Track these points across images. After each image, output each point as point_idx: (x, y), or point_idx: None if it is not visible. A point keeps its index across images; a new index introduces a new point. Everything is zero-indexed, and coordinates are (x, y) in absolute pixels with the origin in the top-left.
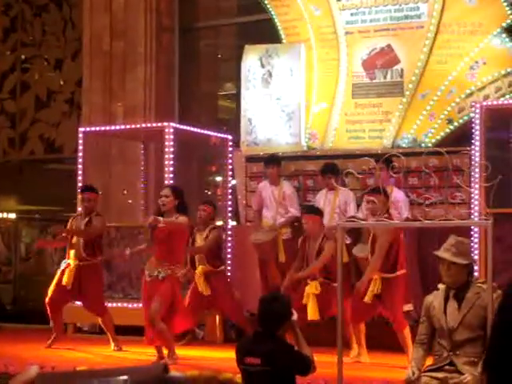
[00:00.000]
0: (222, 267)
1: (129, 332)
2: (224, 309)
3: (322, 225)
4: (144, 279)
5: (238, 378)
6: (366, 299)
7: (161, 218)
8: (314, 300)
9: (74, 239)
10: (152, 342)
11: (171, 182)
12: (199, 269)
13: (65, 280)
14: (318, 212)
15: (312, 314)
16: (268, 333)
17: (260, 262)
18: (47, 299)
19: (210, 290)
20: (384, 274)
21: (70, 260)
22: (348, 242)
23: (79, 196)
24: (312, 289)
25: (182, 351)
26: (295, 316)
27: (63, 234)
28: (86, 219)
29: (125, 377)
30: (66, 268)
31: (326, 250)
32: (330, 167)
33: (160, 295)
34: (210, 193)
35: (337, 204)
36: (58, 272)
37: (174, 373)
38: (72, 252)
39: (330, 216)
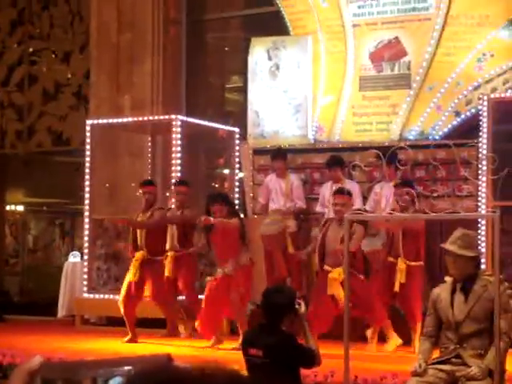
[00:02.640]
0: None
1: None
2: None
3: (351, 207)
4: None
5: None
6: (395, 288)
7: (211, 218)
8: (339, 287)
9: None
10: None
11: (178, 174)
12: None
13: (166, 272)
14: (350, 194)
15: (341, 300)
16: (271, 324)
17: (266, 254)
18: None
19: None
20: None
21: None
22: None
23: (173, 189)
24: (335, 274)
25: (187, 342)
26: (303, 308)
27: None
28: (179, 211)
29: (129, 367)
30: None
31: (358, 232)
32: (337, 159)
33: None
34: (217, 185)
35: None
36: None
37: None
38: (168, 243)
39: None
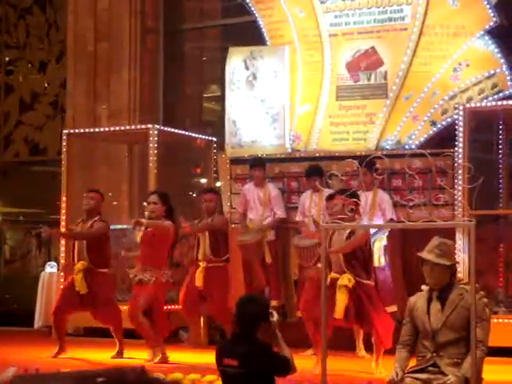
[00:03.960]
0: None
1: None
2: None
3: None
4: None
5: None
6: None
7: (144, 220)
8: (345, 295)
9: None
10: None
11: (154, 184)
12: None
13: (198, 282)
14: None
15: (338, 311)
16: (245, 334)
17: (244, 263)
18: (182, 304)
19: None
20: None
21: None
22: None
23: (201, 197)
24: (345, 281)
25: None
26: (275, 317)
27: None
28: (210, 219)
29: (102, 378)
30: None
31: (359, 234)
32: (315, 169)
33: (144, 297)
34: (194, 195)
35: (322, 206)
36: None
37: (155, 375)
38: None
39: (317, 218)
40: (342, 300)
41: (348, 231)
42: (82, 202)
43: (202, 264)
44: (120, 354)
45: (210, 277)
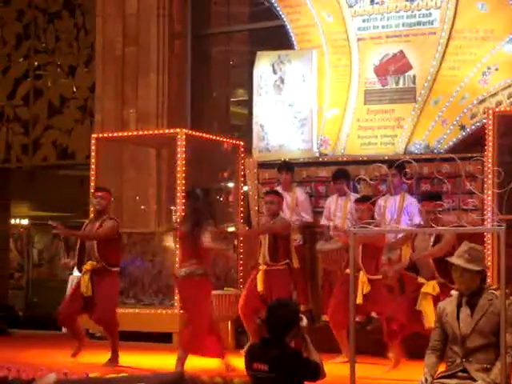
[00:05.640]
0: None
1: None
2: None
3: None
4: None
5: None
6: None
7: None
8: (431, 304)
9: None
10: None
11: (182, 188)
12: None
13: (259, 287)
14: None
15: (429, 320)
16: (275, 339)
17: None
18: (241, 305)
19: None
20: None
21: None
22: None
23: (264, 199)
24: (429, 289)
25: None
26: (304, 322)
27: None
28: (271, 221)
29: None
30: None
31: (449, 237)
32: (342, 172)
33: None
34: (221, 199)
35: (348, 209)
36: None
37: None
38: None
39: (341, 221)
40: (428, 307)
41: (434, 235)
42: (92, 201)
43: (262, 267)
44: (114, 361)
45: (270, 280)
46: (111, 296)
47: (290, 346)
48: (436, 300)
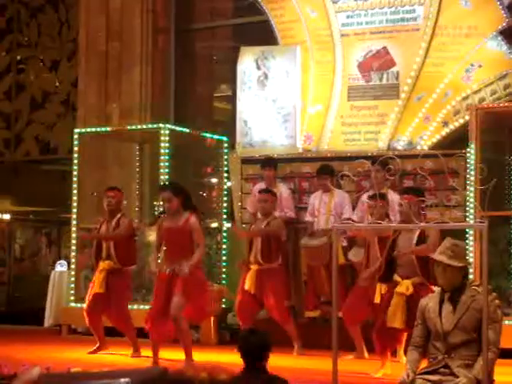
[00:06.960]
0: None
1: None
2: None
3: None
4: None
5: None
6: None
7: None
8: (403, 304)
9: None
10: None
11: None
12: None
13: (247, 286)
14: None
15: (398, 321)
16: (253, 367)
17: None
18: (237, 308)
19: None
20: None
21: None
22: (344, 244)
23: (258, 197)
24: (403, 288)
25: (178, 353)
26: None
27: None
28: (265, 221)
29: (126, 379)
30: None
31: (433, 236)
32: (326, 168)
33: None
34: (205, 194)
35: (332, 206)
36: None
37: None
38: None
39: (325, 218)
40: (397, 306)
41: (418, 232)
42: (103, 201)
43: (254, 267)
44: (137, 353)
45: (263, 279)
46: (125, 295)
47: (268, 371)
48: (409, 300)
